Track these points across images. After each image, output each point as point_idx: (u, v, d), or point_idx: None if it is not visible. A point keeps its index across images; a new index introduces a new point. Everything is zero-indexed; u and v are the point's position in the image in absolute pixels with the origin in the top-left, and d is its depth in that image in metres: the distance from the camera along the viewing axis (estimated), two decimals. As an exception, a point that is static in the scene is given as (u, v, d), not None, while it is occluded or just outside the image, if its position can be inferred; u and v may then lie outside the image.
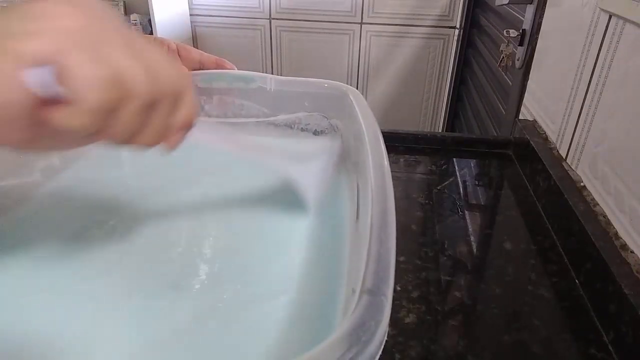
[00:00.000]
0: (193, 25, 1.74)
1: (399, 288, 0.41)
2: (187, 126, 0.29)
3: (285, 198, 0.42)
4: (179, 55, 0.49)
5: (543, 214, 0.53)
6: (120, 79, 0.23)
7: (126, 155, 0.50)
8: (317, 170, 0.44)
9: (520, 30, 0.78)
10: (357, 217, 0.37)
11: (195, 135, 0.31)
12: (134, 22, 1.56)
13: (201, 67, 0.49)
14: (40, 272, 0.34)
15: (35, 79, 0.21)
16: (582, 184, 0.51)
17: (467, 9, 1.51)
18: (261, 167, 0.42)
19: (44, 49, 0.21)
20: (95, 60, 0.22)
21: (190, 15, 1.72)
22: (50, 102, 0.22)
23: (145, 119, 0.25)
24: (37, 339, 0.29)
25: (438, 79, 1.69)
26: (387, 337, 0.21)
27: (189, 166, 0.48)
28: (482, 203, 0.57)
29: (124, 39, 0.24)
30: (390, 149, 0.37)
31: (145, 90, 0.24)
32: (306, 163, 0.43)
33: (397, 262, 0.25)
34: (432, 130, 1.78)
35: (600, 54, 0.50)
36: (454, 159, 0.66)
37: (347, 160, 0.47)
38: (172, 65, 0.27)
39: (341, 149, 0.48)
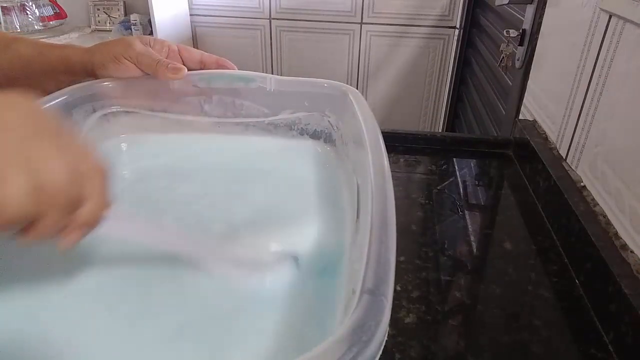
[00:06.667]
0: (193, 25, 1.74)
1: (399, 288, 0.41)
2: (89, 225, 0.27)
3: (286, 201, 0.42)
4: (181, 56, 0.49)
5: (543, 214, 0.53)
6: (42, 193, 0.23)
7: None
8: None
9: (520, 30, 0.78)
10: (357, 217, 0.37)
11: (108, 228, 0.28)
12: (134, 22, 1.56)
13: (202, 67, 0.50)
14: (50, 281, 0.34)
15: None
16: (582, 184, 0.51)
17: (467, 9, 1.51)
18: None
19: None
20: (20, 168, 0.22)
21: (190, 15, 1.72)
22: None
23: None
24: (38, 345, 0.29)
25: (438, 79, 1.69)
26: (387, 337, 0.21)
27: (195, 183, 0.47)
28: (482, 203, 0.57)
29: (52, 135, 0.24)
30: (390, 149, 0.37)
31: (64, 202, 0.24)
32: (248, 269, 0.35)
33: (397, 262, 0.25)
34: (432, 130, 1.78)
35: (600, 54, 0.50)
36: (454, 159, 0.66)
37: (347, 160, 0.47)
38: (90, 160, 0.26)
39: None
